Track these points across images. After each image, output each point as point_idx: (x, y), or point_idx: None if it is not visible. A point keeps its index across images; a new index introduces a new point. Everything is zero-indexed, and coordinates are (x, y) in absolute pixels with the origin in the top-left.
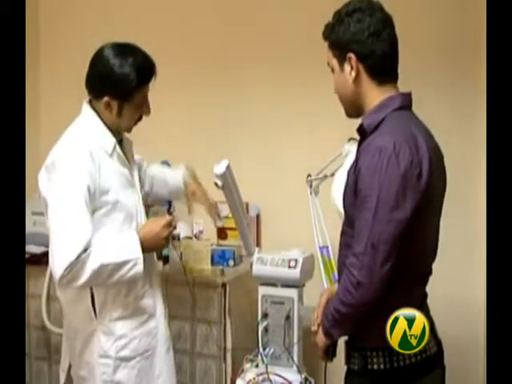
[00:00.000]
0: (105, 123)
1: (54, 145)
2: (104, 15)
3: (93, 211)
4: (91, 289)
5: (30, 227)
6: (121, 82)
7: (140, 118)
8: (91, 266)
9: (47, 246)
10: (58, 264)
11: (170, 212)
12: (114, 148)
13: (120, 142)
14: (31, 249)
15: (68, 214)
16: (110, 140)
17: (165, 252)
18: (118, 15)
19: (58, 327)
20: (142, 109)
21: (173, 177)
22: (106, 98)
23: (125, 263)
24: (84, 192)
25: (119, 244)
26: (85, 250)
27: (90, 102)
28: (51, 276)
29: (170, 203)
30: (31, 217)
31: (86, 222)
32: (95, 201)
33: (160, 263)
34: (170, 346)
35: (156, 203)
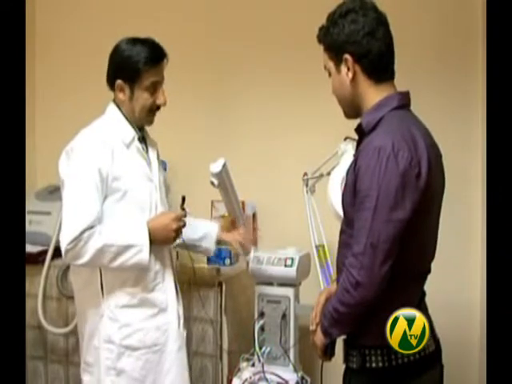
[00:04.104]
0: (126, 118)
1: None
2: (102, 15)
3: (106, 197)
4: (100, 273)
5: (26, 226)
6: (128, 63)
7: (157, 108)
8: (95, 244)
9: (43, 245)
10: (63, 239)
11: (182, 207)
12: (133, 140)
13: (143, 138)
14: (27, 248)
15: (77, 193)
16: (129, 132)
17: None
18: (117, 16)
19: (54, 327)
20: (155, 96)
21: (205, 223)
22: (118, 81)
23: (129, 247)
24: (94, 174)
25: (127, 228)
26: (91, 228)
27: (114, 100)
28: (47, 275)
29: (183, 199)
30: (27, 216)
31: (93, 201)
32: (108, 186)
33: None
34: (182, 345)
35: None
